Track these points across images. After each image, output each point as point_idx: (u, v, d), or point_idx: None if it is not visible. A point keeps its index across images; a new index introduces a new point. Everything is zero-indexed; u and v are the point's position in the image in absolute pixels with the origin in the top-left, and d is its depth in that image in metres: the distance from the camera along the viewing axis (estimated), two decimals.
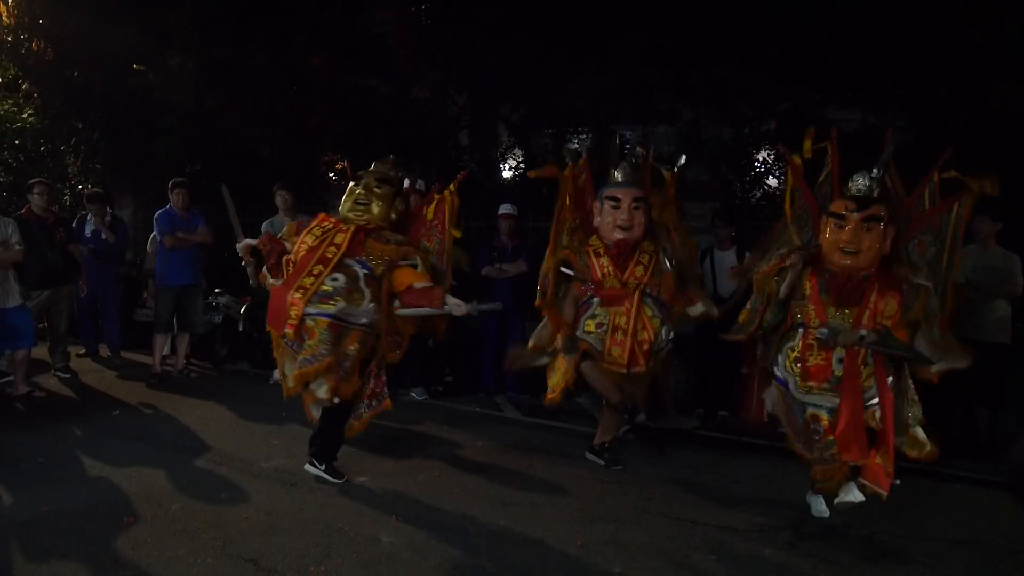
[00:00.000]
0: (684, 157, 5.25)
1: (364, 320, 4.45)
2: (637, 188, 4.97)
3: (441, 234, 5.00)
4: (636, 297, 4.80)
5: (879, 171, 4.06)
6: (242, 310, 8.03)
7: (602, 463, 5.06)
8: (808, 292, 4.08)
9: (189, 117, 9.57)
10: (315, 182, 10.60)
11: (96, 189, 8.83)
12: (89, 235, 7.90)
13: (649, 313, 4.83)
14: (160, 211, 7.46)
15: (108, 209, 8.22)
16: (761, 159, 8.83)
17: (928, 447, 4.11)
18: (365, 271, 4.45)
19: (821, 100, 8.28)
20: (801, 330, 4.10)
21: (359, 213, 4.59)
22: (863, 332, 3.86)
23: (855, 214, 3.95)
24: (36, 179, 7.57)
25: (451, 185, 5.04)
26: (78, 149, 11.09)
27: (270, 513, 4.01)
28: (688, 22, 7.82)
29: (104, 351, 8.40)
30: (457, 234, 5.07)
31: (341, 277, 4.39)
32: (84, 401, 6.48)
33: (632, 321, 4.79)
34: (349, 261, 4.44)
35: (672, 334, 4.99)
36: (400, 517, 4.01)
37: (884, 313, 3.93)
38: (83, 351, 8.34)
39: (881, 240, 3.97)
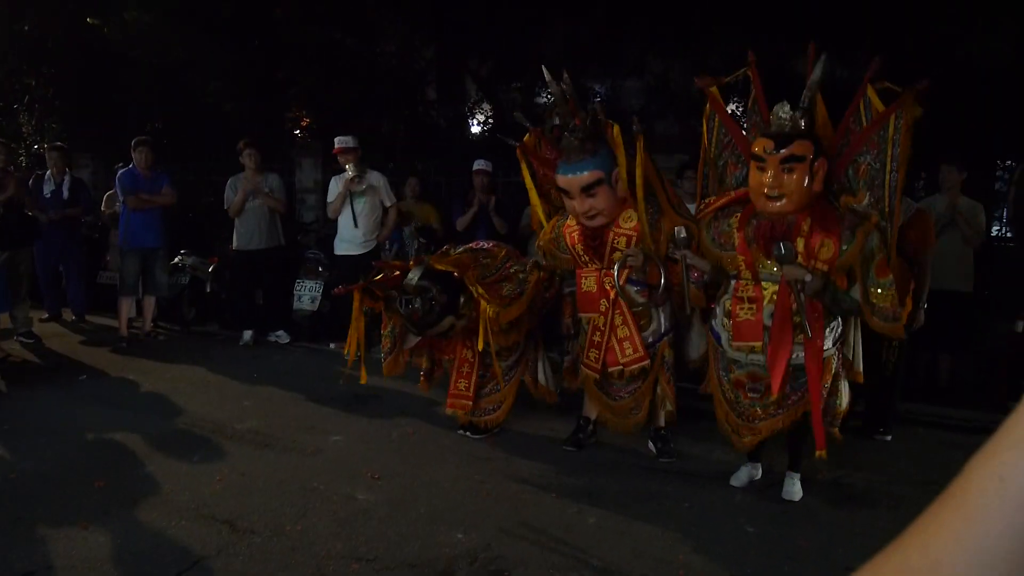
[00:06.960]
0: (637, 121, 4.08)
1: None
2: (587, 171, 4.00)
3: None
4: (612, 293, 4.15)
5: (806, 99, 3.54)
6: (209, 270, 7.91)
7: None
8: (736, 242, 3.68)
9: (149, 72, 9.29)
10: (281, 138, 10.39)
11: (58, 143, 8.54)
12: (49, 195, 7.70)
13: (629, 304, 4.16)
14: (122, 170, 7.24)
15: (68, 170, 7.99)
16: (730, 112, 8.80)
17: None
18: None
19: (789, 51, 8.24)
20: (733, 282, 3.72)
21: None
22: (808, 276, 3.43)
23: (774, 155, 3.48)
24: None
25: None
26: (32, 107, 10.74)
27: (244, 474, 4.00)
28: None
29: (68, 315, 8.26)
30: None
31: None
32: (49, 366, 6.36)
33: (609, 317, 4.19)
34: None
35: (669, 320, 4.26)
36: (375, 475, 4.02)
37: (820, 257, 3.47)
38: (46, 315, 8.19)
39: (806, 180, 3.47)
